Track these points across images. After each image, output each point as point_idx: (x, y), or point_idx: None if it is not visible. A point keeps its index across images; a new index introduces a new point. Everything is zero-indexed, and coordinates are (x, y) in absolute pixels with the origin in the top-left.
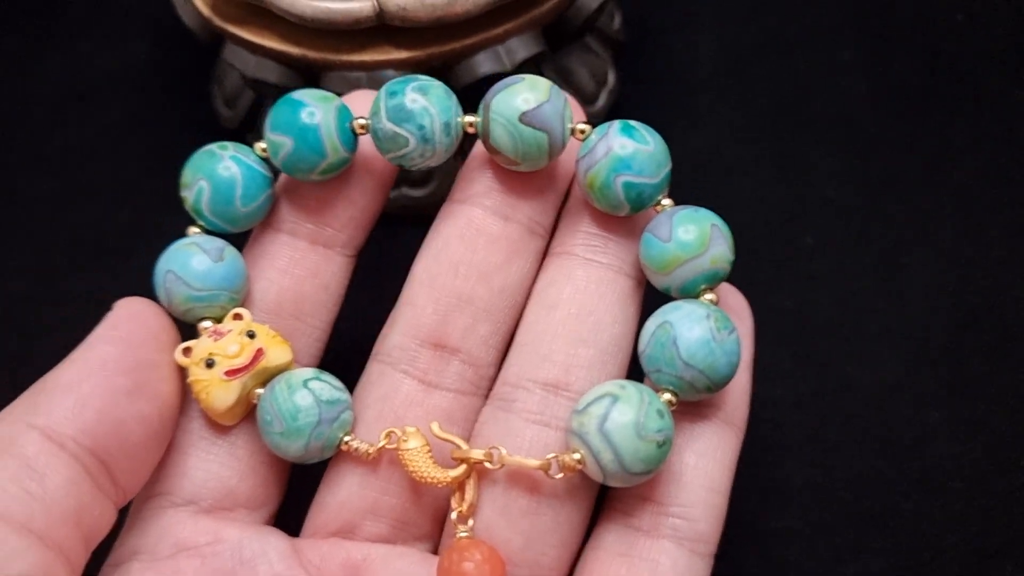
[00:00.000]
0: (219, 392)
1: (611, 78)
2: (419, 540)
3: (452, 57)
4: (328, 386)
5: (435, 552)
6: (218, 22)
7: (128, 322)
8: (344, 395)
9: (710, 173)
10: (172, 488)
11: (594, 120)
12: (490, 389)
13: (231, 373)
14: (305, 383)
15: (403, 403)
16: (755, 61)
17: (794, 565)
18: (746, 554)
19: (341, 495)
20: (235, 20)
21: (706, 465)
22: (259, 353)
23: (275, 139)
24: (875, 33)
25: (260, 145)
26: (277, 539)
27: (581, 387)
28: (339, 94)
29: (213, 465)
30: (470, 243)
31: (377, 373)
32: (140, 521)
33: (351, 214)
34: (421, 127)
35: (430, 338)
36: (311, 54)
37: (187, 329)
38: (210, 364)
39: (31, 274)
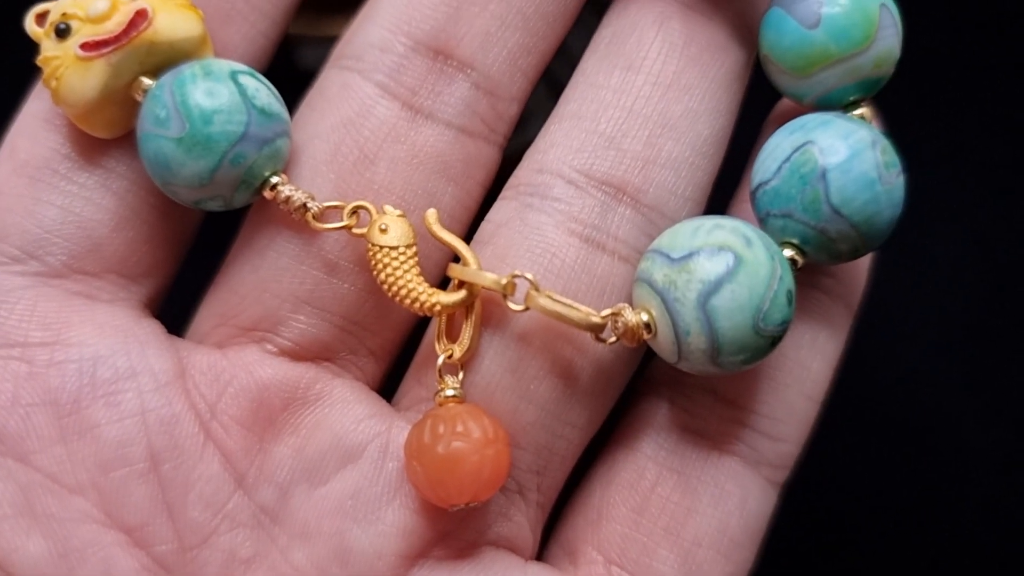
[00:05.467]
0: (75, 78)
1: None
2: (372, 355)
3: None
4: (265, 89)
5: (377, 378)
6: None
7: None
8: (284, 113)
9: None
10: (7, 233)
11: None
12: (507, 137)
13: (92, 47)
14: (234, 76)
15: (375, 134)
16: None
17: (816, 557)
18: None
19: (264, 271)
20: None
21: (810, 362)
22: (140, 17)
23: None
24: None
25: None
26: (156, 350)
27: (658, 199)
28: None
29: (74, 200)
30: None
31: (338, 85)
32: None
33: None
34: None
35: (429, 39)
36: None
37: None
38: (63, 31)
39: None
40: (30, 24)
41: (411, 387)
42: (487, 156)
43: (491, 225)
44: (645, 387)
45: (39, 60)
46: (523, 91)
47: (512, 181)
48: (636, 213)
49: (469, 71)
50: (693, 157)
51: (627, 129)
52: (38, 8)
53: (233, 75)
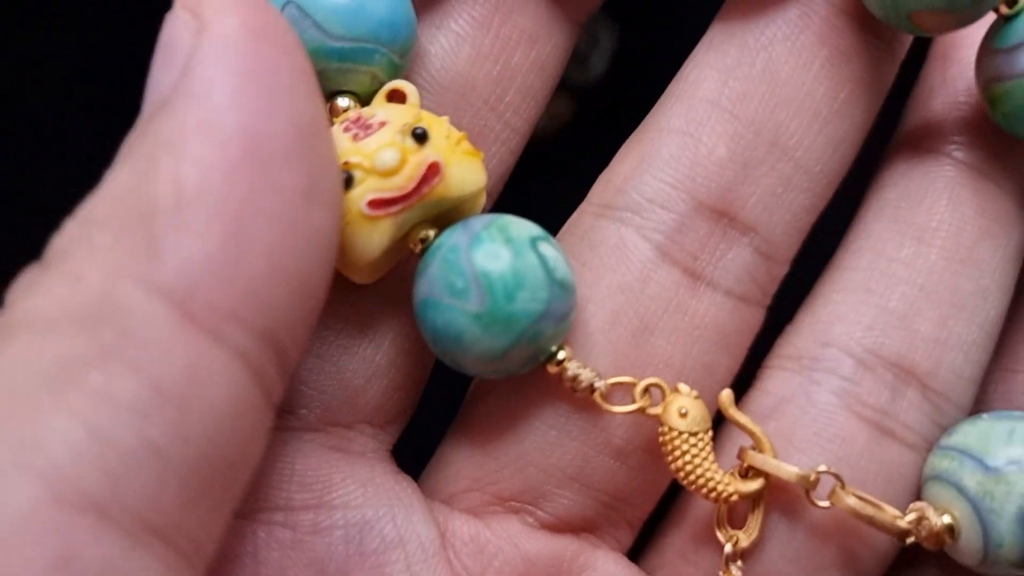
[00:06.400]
0: (358, 235)
1: (605, 37)
2: (629, 526)
3: None
4: (562, 259)
5: (629, 546)
6: None
7: (259, 45)
8: (574, 281)
9: None
10: None
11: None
12: (771, 298)
13: (380, 205)
14: (534, 244)
15: (655, 302)
16: None
17: None
18: None
19: (530, 443)
20: None
21: None
22: (432, 172)
23: None
24: None
25: None
26: (420, 515)
27: (947, 384)
28: None
29: (330, 349)
30: (799, 51)
31: (613, 241)
32: None
33: None
34: None
35: (714, 200)
36: None
37: None
38: (344, 182)
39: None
40: None
41: (672, 561)
42: (757, 320)
43: (771, 398)
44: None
45: None
46: (795, 251)
47: (790, 350)
48: (923, 398)
49: (752, 235)
50: (981, 338)
51: (919, 308)
52: None
53: (533, 243)
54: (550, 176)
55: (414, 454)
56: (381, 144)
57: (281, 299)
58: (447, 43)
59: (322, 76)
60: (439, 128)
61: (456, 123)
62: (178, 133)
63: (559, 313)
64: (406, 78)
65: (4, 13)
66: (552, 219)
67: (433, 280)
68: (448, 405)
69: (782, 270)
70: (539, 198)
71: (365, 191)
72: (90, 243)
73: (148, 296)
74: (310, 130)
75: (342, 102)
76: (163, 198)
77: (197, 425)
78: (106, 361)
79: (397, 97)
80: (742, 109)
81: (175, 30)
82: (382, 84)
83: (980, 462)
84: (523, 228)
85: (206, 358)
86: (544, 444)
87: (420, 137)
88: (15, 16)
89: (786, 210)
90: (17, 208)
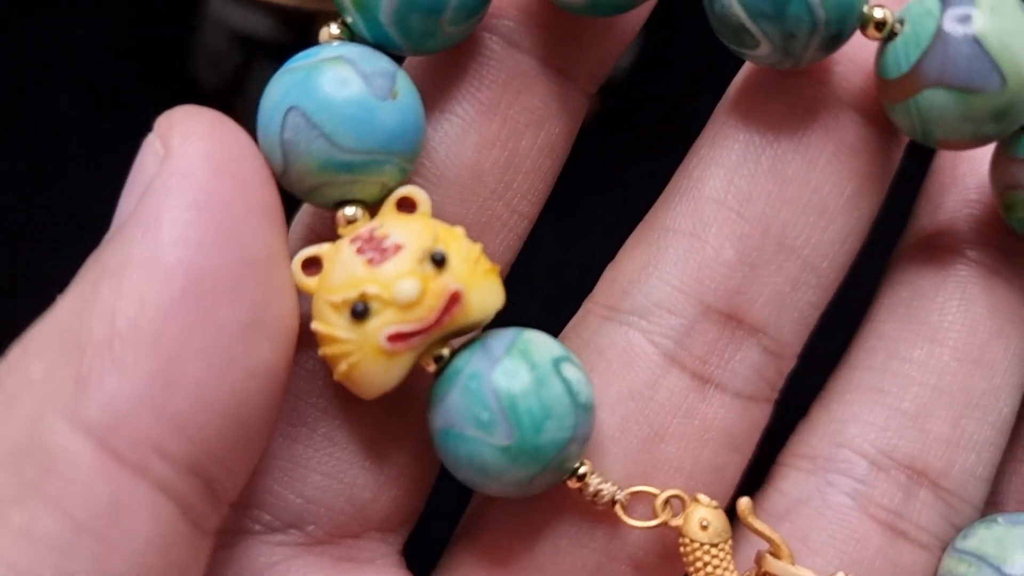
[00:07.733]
0: (375, 368)
1: None
2: None
3: None
4: (584, 378)
5: None
6: None
7: (217, 177)
8: (593, 396)
9: None
10: (263, 500)
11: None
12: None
13: (401, 339)
14: (557, 366)
15: (664, 408)
16: None
17: None
18: None
19: (542, 552)
20: None
21: None
22: (454, 300)
23: None
24: None
25: None
26: None
27: (959, 483)
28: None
29: (337, 465)
30: (805, 147)
31: (620, 346)
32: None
33: (602, 27)
34: (790, 35)
35: (722, 303)
36: (305, 4)
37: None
38: (361, 313)
39: (2, 260)
40: (298, 271)
41: None
42: (765, 415)
43: (786, 499)
44: None
45: (318, 331)
46: (803, 346)
47: (805, 449)
48: (937, 498)
49: (760, 336)
50: (994, 436)
51: (932, 408)
52: (307, 253)
53: (556, 365)
54: (576, 173)
55: (423, 547)
56: (400, 273)
57: (211, 432)
58: (452, 131)
59: (329, 187)
60: (457, 247)
61: (463, 215)
62: (122, 265)
63: (583, 436)
64: (413, 177)
65: (4, 12)
66: (579, 218)
67: (454, 410)
68: (456, 493)
69: (790, 365)
70: (566, 195)
71: (384, 324)
72: (25, 374)
73: (73, 432)
74: (260, 264)
75: (349, 211)
76: (97, 332)
77: (119, 558)
78: (27, 499)
79: (407, 204)
80: (748, 208)
81: (145, 155)
82: (391, 191)
83: (999, 570)
84: (544, 349)
85: (129, 492)
86: (557, 553)
87: (439, 263)
88: (15, 14)
89: (794, 308)
90: (18, 208)
